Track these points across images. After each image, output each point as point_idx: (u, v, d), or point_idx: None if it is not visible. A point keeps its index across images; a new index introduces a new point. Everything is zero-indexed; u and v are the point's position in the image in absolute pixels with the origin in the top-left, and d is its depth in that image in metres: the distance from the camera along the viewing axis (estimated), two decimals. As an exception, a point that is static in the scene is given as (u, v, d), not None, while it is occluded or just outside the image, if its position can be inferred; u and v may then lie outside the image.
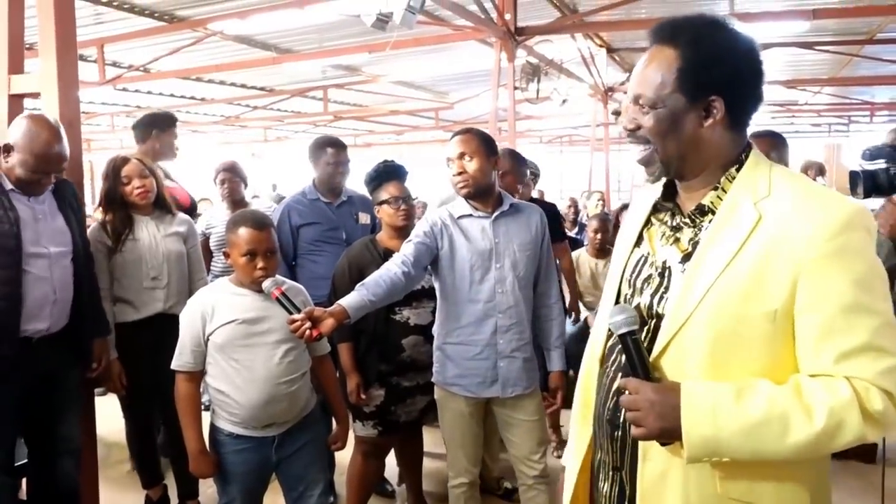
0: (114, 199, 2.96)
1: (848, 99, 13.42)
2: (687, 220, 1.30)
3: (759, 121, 14.28)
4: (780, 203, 1.19)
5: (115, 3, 6.67)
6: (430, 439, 4.00)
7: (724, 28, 1.24)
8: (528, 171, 4.06)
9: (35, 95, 2.76)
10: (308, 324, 1.97)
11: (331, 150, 3.47)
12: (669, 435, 1.19)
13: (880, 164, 2.06)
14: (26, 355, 2.41)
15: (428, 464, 3.91)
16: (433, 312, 2.76)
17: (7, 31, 2.76)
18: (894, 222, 1.87)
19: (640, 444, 1.29)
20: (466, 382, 2.50)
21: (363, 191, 3.10)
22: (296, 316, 1.99)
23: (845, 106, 14.20)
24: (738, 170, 1.25)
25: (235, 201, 4.21)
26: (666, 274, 1.30)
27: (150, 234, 2.99)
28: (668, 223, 1.34)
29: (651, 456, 1.28)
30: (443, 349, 2.56)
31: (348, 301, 2.13)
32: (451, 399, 2.57)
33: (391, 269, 2.30)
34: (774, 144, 2.59)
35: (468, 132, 2.55)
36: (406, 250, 2.41)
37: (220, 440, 2.30)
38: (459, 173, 2.48)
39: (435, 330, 2.62)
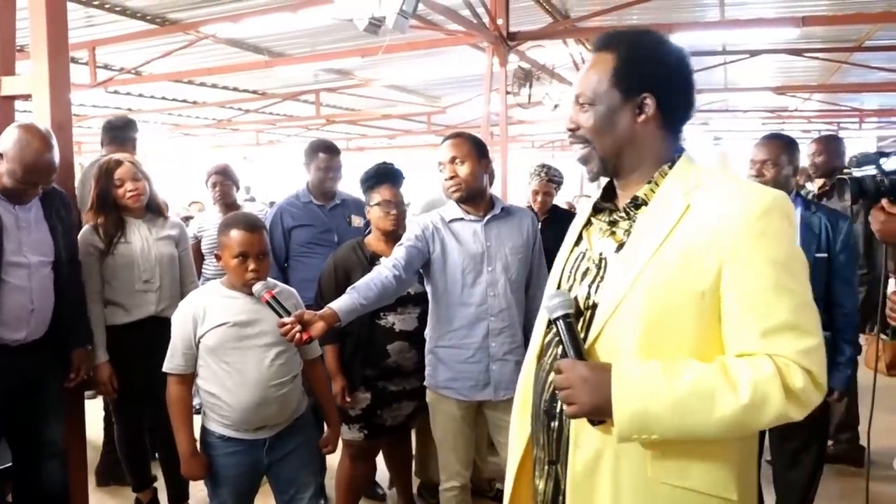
0: (106, 201, 2.95)
1: (837, 106, 13.50)
2: (623, 214, 1.37)
3: (749, 126, 14.35)
4: (708, 192, 1.26)
5: (106, 6, 6.65)
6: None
7: (658, 36, 1.35)
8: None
9: (26, 97, 2.75)
10: (298, 327, 1.97)
11: (322, 155, 3.49)
12: (601, 411, 1.22)
13: (867, 171, 2.10)
14: (5, 361, 2.40)
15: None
16: (419, 318, 2.76)
17: (-1, 33, 2.76)
18: (885, 227, 1.92)
19: (572, 433, 1.32)
20: (458, 386, 2.51)
21: (358, 193, 3.10)
22: (286, 319, 1.99)
23: (834, 112, 14.29)
24: (670, 167, 1.33)
25: (227, 204, 4.21)
26: (602, 265, 1.36)
27: (142, 237, 2.98)
28: (606, 220, 1.40)
29: (581, 443, 1.31)
30: (435, 352, 2.56)
31: (339, 304, 2.13)
32: (443, 402, 2.57)
33: (382, 273, 2.31)
34: (784, 147, 2.64)
35: (459, 136, 2.56)
36: (398, 254, 2.41)
37: (212, 443, 2.30)
38: (451, 177, 2.48)
39: (427, 333, 2.62)
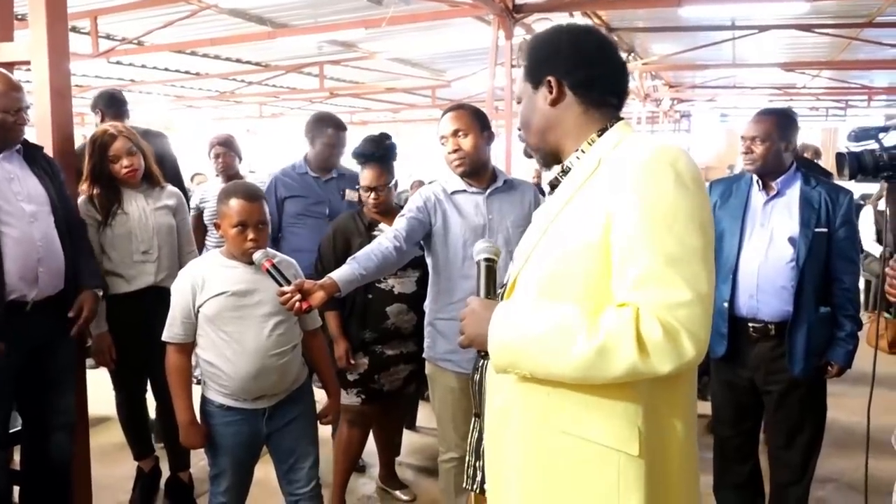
0: (101, 175, 2.93)
1: (846, 83, 13.36)
2: (556, 183, 1.42)
3: (757, 103, 14.24)
4: (618, 152, 1.29)
5: (108, -26, 6.59)
6: (419, 414, 4.04)
7: (557, 26, 1.43)
8: None
9: (25, 64, 2.72)
10: (298, 296, 1.97)
11: (331, 130, 3.48)
12: (482, 342, 1.30)
13: (866, 146, 2.07)
14: (19, 323, 2.39)
15: (417, 439, 3.96)
16: (417, 282, 2.82)
17: (-4, -3, 2.72)
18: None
19: (487, 382, 1.41)
20: (457, 358, 2.50)
21: (356, 167, 3.11)
22: (286, 288, 1.99)
23: (843, 90, 14.15)
24: (600, 135, 1.36)
25: (230, 176, 4.19)
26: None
27: (139, 207, 2.96)
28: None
29: (493, 393, 1.39)
30: (434, 325, 2.56)
31: (339, 274, 2.13)
32: (441, 375, 2.57)
33: (383, 244, 2.30)
34: (775, 122, 2.57)
35: (460, 108, 2.54)
36: (399, 225, 2.40)
37: (211, 412, 2.31)
38: (454, 151, 2.46)
39: (426, 305, 2.62)
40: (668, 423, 1.28)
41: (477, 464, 1.50)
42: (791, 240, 2.51)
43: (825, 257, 2.51)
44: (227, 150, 4.22)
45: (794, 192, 2.56)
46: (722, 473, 2.85)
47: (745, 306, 2.57)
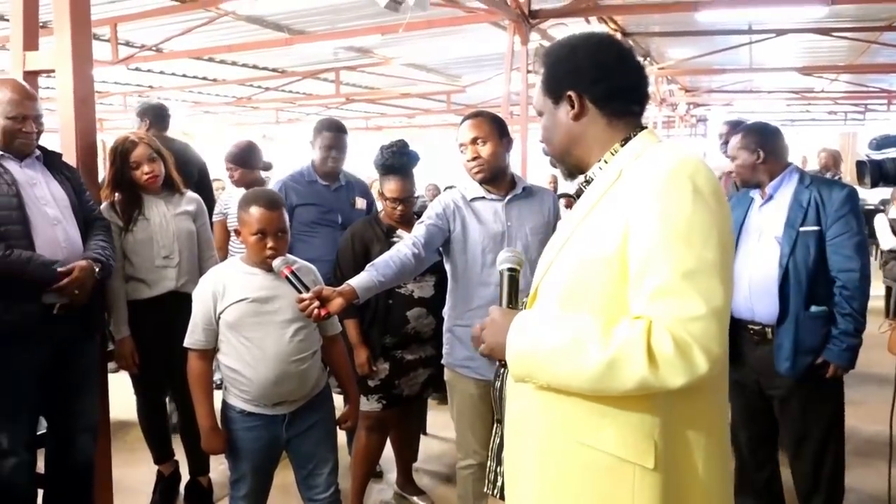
0: (122, 181, 2.97)
1: (865, 87, 13.24)
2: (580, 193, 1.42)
3: (774, 108, 14.11)
4: (638, 163, 1.29)
5: (128, -18, 6.66)
6: (434, 421, 4.05)
7: (573, 37, 1.43)
8: None
9: (50, 72, 2.76)
10: (316, 303, 1.98)
11: (327, 133, 3.44)
12: (501, 351, 1.30)
13: (888, 154, 2.07)
14: (45, 326, 2.42)
15: (435, 445, 3.96)
16: (435, 286, 2.84)
17: (22, 7, 2.76)
18: None
19: (507, 388, 1.42)
20: (476, 365, 2.51)
21: (365, 173, 3.11)
22: (304, 295, 2.01)
23: (862, 94, 14.02)
24: (623, 145, 1.35)
25: (246, 186, 4.15)
26: None
27: (160, 213, 3.00)
28: None
29: (512, 399, 1.40)
30: (453, 331, 2.57)
31: (358, 281, 2.14)
32: (460, 381, 2.58)
33: (402, 251, 2.31)
34: (748, 138, 2.66)
35: (479, 116, 2.54)
36: (418, 232, 2.41)
37: (232, 417, 2.33)
38: (474, 158, 2.47)
39: (445, 312, 2.63)
40: (688, 435, 1.26)
41: (498, 469, 1.51)
42: (777, 240, 2.53)
43: (817, 255, 2.49)
44: (234, 167, 4.06)
45: (786, 193, 2.59)
46: (741, 480, 2.83)
47: (743, 308, 2.60)
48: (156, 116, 3.98)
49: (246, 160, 4.06)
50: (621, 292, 1.21)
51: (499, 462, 1.52)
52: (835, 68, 11.05)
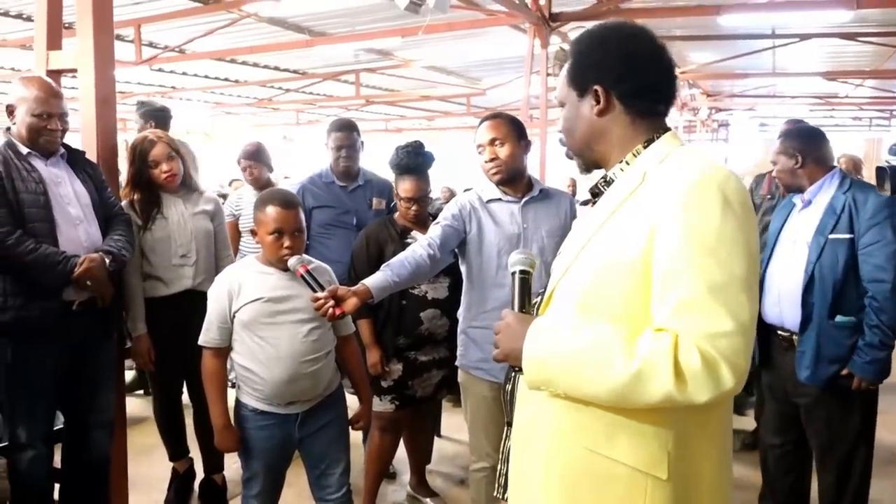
0: (140, 180, 2.99)
1: (890, 92, 13.07)
2: (601, 194, 1.38)
3: (797, 113, 13.96)
4: (665, 168, 1.26)
5: (152, -16, 6.74)
6: (448, 423, 4.04)
7: (604, 27, 1.37)
8: None
9: (72, 71, 2.79)
10: (331, 302, 1.99)
11: (335, 133, 3.47)
12: (516, 357, 1.27)
13: None
14: (66, 323, 2.45)
15: (449, 447, 3.95)
16: (449, 288, 2.84)
17: (46, 6, 2.80)
18: None
19: (518, 392, 1.39)
20: (490, 367, 2.50)
21: (384, 173, 3.11)
22: (319, 294, 2.01)
23: (887, 99, 13.84)
24: (646, 146, 1.32)
25: (260, 186, 4.19)
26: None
27: (178, 212, 3.02)
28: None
29: (523, 404, 1.37)
30: (467, 333, 2.56)
31: (372, 281, 2.14)
32: (474, 383, 2.57)
33: (417, 252, 2.31)
34: (790, 142, 2.63)
35: (498, 117, 2.54)
36: (433, 233, 2.41)
37: (245, 416, 2.33)
38: (492, 159, 2.47)
39: (460, 314, 2.62)
40: (700, 447, 1.25)
41: (509, 472, 1.49)
42: (808, 246, 2.50)
43: (847, 264, 2.43)
44: (253, 163, 4.19)
45: (824, 199, 2.54)
46: (766, 485, 2.81)
47: (773, 314, 2.58)
48: (158, 119, 3.96)
49: (262, 157, 4.24)
50: (643, 301, 1.19)
51: (508, 465, 1.51)
52: (860, 73, 10.93)
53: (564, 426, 1.28)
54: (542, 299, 1.40)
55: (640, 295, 1.19)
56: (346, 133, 3.47)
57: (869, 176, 5.21)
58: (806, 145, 2.60)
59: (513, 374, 1.45)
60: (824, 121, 17.88)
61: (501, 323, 1.34)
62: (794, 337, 2.54)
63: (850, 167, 7.29)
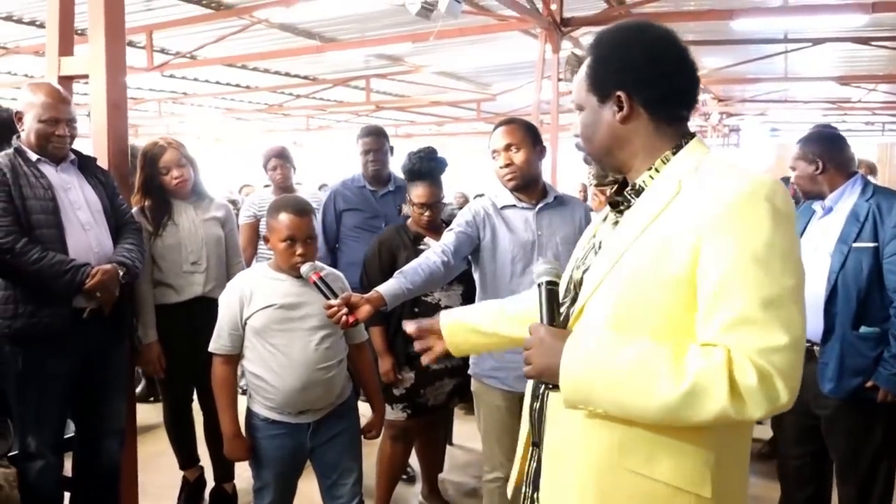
0: (151, 186, 2.98)
1: (904, 97, 12.95)
2: (627, 204, 1.32)
3: (809, 118, 13.86)
4: (701, 177, 1.21)
5: (164, -10, 6.76)
6: (459, 431, 4.00)
7: (627, 28, 1.31)
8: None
9: (84, 77, 2.79)
10: (345, 309, 1.96)
11: (363, 139, 3.57)
12: (551, 374, 1.22)
13: None
14: (77, 331, 2.44)
15: (460, 455, 3.91)
16: (462, 296, 2.82)
17: (58, 13, 2.80)
18: None
19: (549, 411, 1.32)
20: (503, 375, 2.47)
21: None
22: (332, 301, 1.99)
23: (901, 104, 13.71)
24: (674, 152, 1.27)
25: (285, 188, 4.20)
26: (597, 248, 1.36)
27: (189, 219, 3.01)
28: (617, 212, 1.37)
29: (555, 423, 1.31)
30: (481, 341, 2.53)
31: (386, 288, 2.12)
32: (487, 392, 2.54)
33: (430, 258, 2.28)
34: (810, 147, 2.57)
35: (513, 122, 2.51)
36: (447, 240, 2.38)
37: (256, 424, 2.31)
38: (507, 165, 2.44)
39: (473, 321, 2.58)
40: (736, 461, 1.24)
41: (535, 495, 1.43)
42: (830, 255, 2.44)
43: (871, 273, 2.37)
44: (283, 162, 4.19)
45: (846, 206, 2.49)
46: (784, 496, 2.76)
47: None
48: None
49: (290, 157, 4.26)
50: (686, 316, 1.15)
51: (535, 488, 1.44)
52: (873, 78, 10.82)
53: (601, 447, 1.23)
54: (567, 311, 1.34)
55: (681, 310, 1.16)
56: (374, 138, 3.56)
57: (884, 180, 5.14)
58: (826, 150, 2.54)
59: (542, 390, 1.39)
60: (837, 125, 17.74)
61: (533, 338, 1.27)
62: (816, 348, 2.48)
63: (865, 171, 7.22)
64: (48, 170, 2.46)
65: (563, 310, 1.35)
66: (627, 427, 1.19)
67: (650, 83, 1.26)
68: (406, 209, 3.44)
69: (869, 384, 2.41)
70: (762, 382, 1.07)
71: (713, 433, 1.17)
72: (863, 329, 2.41)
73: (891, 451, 2.53)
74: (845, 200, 2.50)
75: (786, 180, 4.04)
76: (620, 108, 1.27)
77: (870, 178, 5.75)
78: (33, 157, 2.44)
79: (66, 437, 2.67)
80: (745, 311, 1.09)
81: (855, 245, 2.39)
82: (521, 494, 1.49)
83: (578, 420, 1.24)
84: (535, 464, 1.41)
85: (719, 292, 1.11)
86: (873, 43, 8.13)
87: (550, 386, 1.27)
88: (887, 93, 12.67)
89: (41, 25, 7.45)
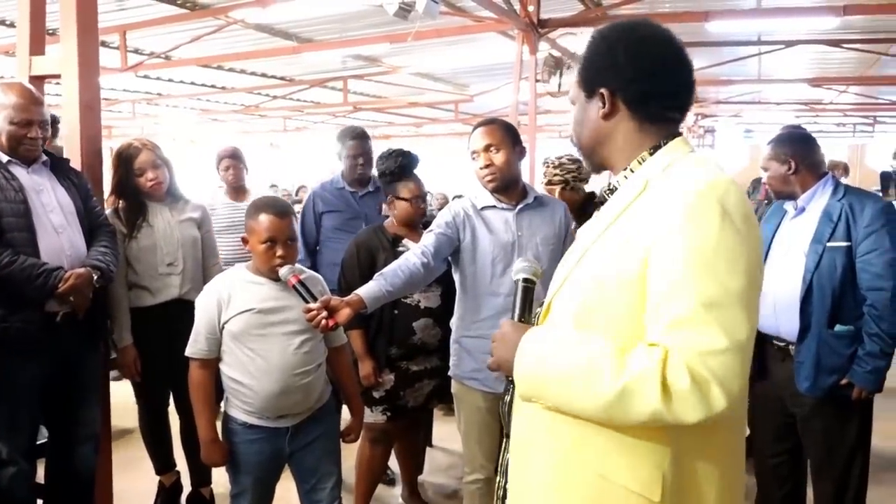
0: (126, 188, 2.94)
1: (874, 99, 13.18)
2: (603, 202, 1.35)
3: (782, 119, 14.08)
4: (667, 177, 1.21)
5: (137, -10, 6.67)
6: (440, 433, 3.99)
7: (620, 26, 1.31)
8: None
9: (56, 77, 2.74)
10: (324, 313, 1.95)
11: (351, 142, 3.55)
12: (509, 367, 1.26)
13: None
14: (49, 335, 2.39)
15: (440, 457, 3.90)
16: (441, 296, 2.81)
17: (29, 10, 2.75)
18: None
19: (514, 404, 1.35)
20: (484, 377, 2.46)
21: None
22: (312, 305, 1.97)
23: (871, 106, 13.96)
24: (652, 153, 1.28)
25: (237, 188, 4.17)
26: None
27: (164, 220, 2.97)
28: None
29: (520, 414, 1.33)
30: (460, 342, 2.52)
31: (366, 291, 2.11)
32: (468, 393, 2.53)
33: (410, 260, 2.27)
34: (782, 148, 2.58)
35: (492, 123, 2.51)
36: (427, 241, 2.37)
37: (233, 429, 2.28)
38: (487, 166, 2.43)
39: (453, 323, 2.58)
40: (701, 468, 1.19)
41: (508, 485, 1.45)
42: (804, 255, 2.46)
43: (845, 272, 2.40)
44: (236, 163, 4.16)
45: (818, 206, 2.51)
46: (761, 494, 2.78)
47: (768, 323, 2.53)
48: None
49: (243, 158, 4.21)
50: (639, 315, 1.15)
51: (507, 478, 1.47)
52: (844, 80, 11.00)
53: (560, 441, 1.23)
54: (541, 310, 1.36)
55: (636, 312, 1.15)
56: (363, 141, 3.56)
57: (855, 181, 5.23)
58: (798, 151, 2.56)
59: (511, 385, 1.42)
60: (809, 127, 18.02)
61: (498, 332, 1.32)
62: (791, 346, 2.51)
63: (841, 173, 7.34)
64: (19, 171, 2.41)
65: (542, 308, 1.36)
66: (581, 423, 1.19)
67: (632, 81, 1.26)
68: (386, 209, 3.43)
69: (844, 382, 2.44)
70: (695, 386, 1.05)
71: (668, 436, 1.15)
72: (838, 328, 2.43)
73: (865, 449, 2.57)
74: (817, 200, 2.52)
75: (758, 181, 4.08)
76: (603, 105, 1.28)
77: (842, 178, 5.87)
78: (4, 158, 2.39)
79: (38, 442, 2.62)
80: (685, 312, 1.08)
81: (829, 244, 2.41)
82: (493, 485, 1.52)
83: (539, 414, 1.26)
84: (507, 454, 1.42)
85: (665, 292, 1.11)
86: (844, 45, 8.27)
87: (510, 379, 1.29)
88: (858, 94, 12.90)
89: (11, 25, 7.32)
